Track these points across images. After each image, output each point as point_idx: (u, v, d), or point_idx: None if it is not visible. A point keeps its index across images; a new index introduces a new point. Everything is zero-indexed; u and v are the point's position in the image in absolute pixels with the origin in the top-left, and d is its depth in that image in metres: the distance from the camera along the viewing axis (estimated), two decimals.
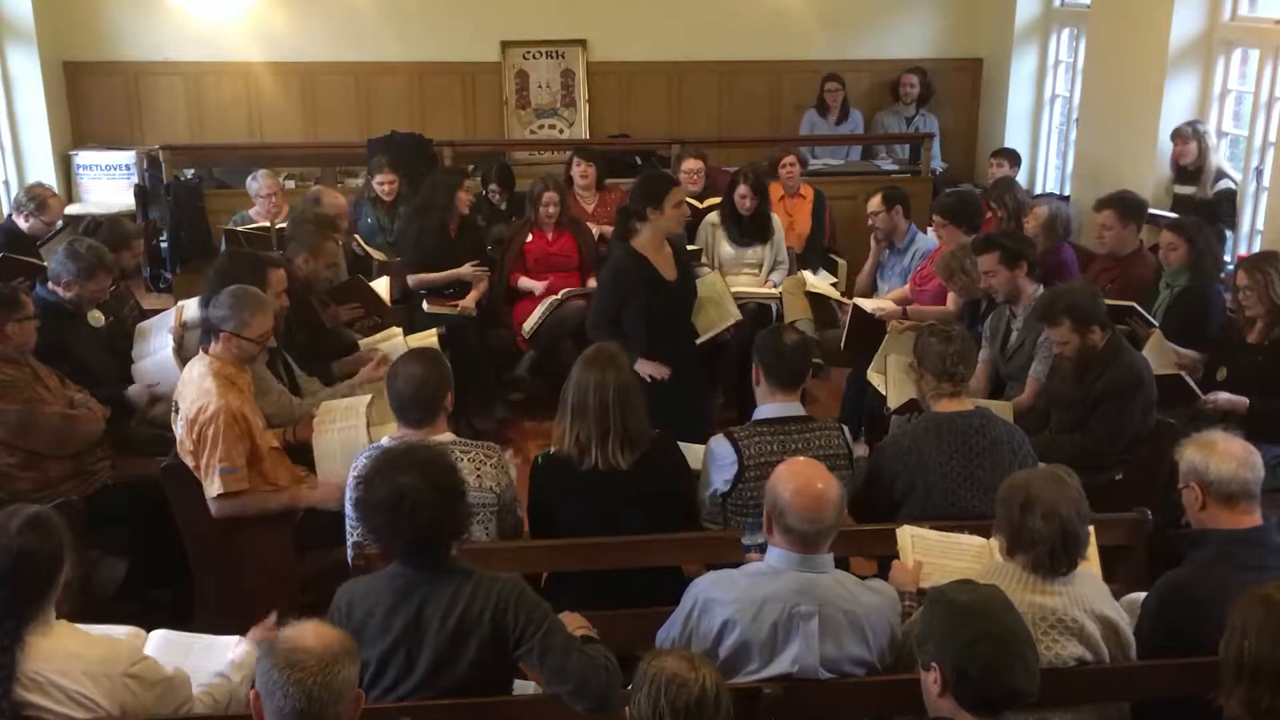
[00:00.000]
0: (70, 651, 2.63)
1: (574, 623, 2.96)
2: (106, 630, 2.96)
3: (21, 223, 6.13)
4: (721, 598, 2.82)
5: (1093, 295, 4.42)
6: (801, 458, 3.03)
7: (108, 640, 2.77)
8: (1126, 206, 5.63)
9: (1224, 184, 6.32)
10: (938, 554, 3.26)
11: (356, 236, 6.58)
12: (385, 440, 3.56)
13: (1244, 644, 2.41)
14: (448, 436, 3.57)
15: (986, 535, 3.23)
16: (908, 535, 3.32)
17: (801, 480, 2.81)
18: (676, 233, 5.02)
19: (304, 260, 5.14)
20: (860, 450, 3.99)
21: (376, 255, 6.50)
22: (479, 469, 3.53)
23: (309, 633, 2.24)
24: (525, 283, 6.47)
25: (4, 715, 2.54)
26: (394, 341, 5.26)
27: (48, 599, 2.65)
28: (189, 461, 3.99)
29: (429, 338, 5.25)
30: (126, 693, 2.65)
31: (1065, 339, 4.34)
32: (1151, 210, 6.03)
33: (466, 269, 6.25)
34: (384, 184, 6.85)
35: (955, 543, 3.31)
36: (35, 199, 6.16)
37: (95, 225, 5.72)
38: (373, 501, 2.71)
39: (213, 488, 3.91)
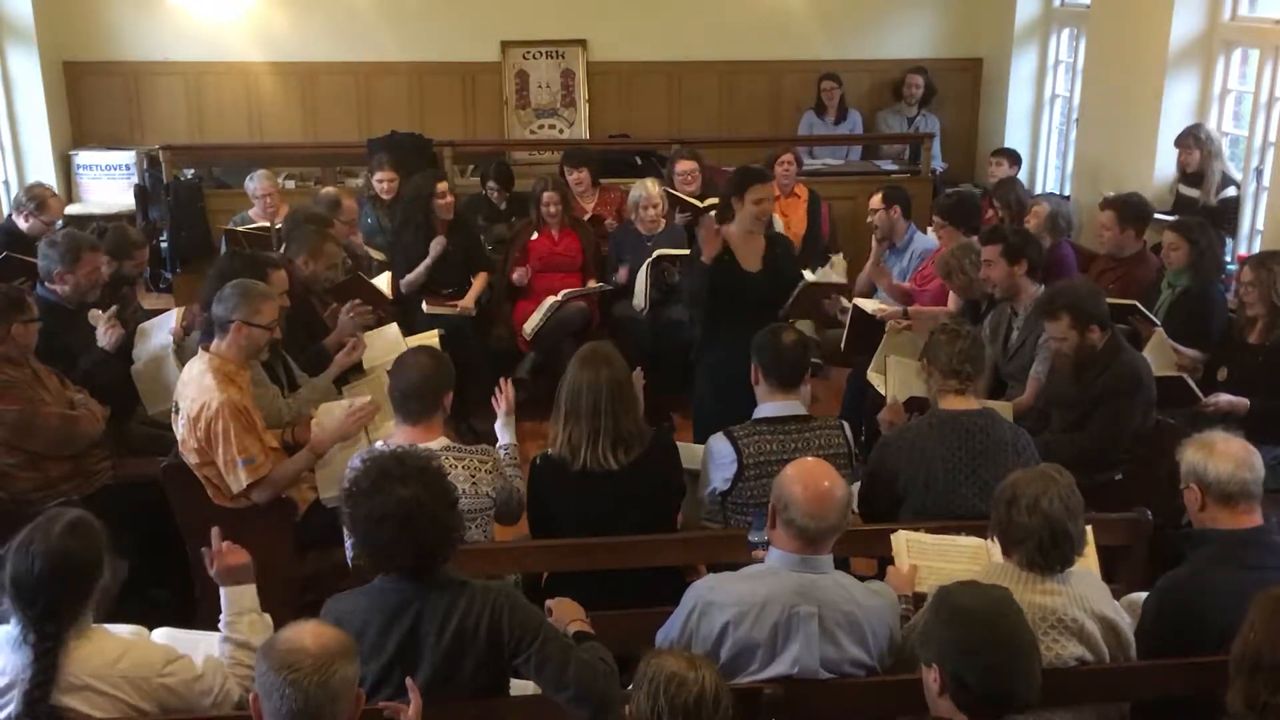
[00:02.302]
0: (107, 656, 2.63)
1: (569, 613, 2.96)
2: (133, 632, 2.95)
3: (21, 223, 6.11)
4: (722, 600, 2.82)
5: (1095, 294, 4.43)
6: (811, 458, 3.02)
7: (142, 644, 2.77)
8: (1128, 210, 5.65)
9: (1229, 191, 6.32)
10: (934, 556, 3.26)
11: (356, 239, 6.56)
12: (381, 443, 3.56)
13: (1249, 637, 2.42)
14: (442, 442, 3.55)
15: (983, 536, 3.23)
16: (902, 539, 3.31)
17: (810, 478, 2.81)
18: (756, 229, 5.00)
19: (304, 262, 5.14)
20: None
21: (376, 255, 6.50)
22: (474, 475, 3.52)
23: (306, 633, 2.23)
24: (517, 276, 6.48)
25: (43, 718, 2.53)
26: (390, 332, 5.27)
27: (87, 603, 2.65)
28: (192, 460, 3.99)
29: (430, 339, 5.25)
30: (165, 693, 2.66)
31: (1063, 335, 4.34)
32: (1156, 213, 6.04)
33: (435, 244, 6.21)
34: (383, 181, 6.84)
35: (951, 544, 3.31)
36: (35, 199, 6.14)
37: (101, 232, 5.71)
38: (375, 516, 2.62)
39: (239, 482, 3.94)
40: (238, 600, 2.91)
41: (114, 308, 4.85)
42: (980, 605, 2.40)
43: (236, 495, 4.00)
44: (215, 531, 2.94)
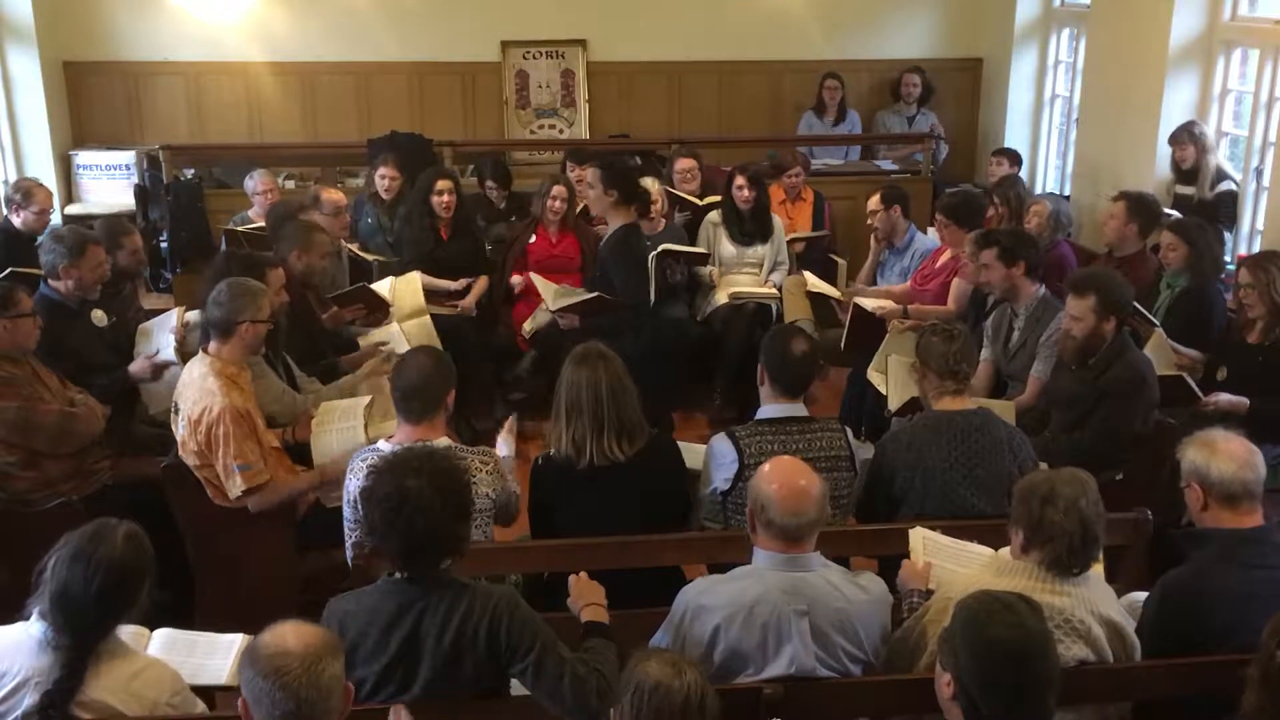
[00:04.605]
0: (125, 670, 2.62)
1: (588, 594, 2.96)
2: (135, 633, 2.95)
3: (15, 219, 6.07)
4: (711, 603, 2.81)
5: (1126, 288, 4.44)
6: (785, 456, 3.03)
7: (159, 665, 2.76)
8: (1138, 205, 5.65)
9: (1225, 185, 6.32)
10: (947, 559, 3.25)
11: (350, 245, 6.46)
12: (383, 442, 3.56)
13: (1269, 644, 2.41)
14: (444, 442, 3.54)
15: (992, 538, 3.22)
16: (919, 537, 3.31)
17: (784, 477, 2.82)
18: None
19: (296, 256, 5.13)
20: (865, 453, 4.00)
21: (372, 258, 6.46)
22: (474, 476, 3.50)
23: (288, 635, 2.19)
24: (514, 280, 6.46)
25: None
26: (390, 329, 5.29)
27: (130, 616, 2.65)
28: (192, 461, 3.99)
29: (424, 324, 5.27)
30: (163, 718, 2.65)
31: (1082, 315, 4.32)
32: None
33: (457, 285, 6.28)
34: (385, 177, 6.77)
35: (964, 550, 3.30)
36: (20, 190, 6.09)
37: (90, 226, 5.72)
38: (375, 496, 2.68)
39: (235, 487, 3.93)
40: None
41: (153, 373, 4.78)
42: (1011, 640, 2.28)
43: (235, 500, 3.99)
44: None
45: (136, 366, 4.67)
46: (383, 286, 5.85)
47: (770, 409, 3.73)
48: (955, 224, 5.74)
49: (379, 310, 5.65)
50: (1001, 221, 6.26)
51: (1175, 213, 6.09)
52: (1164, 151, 6.66)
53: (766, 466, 2.89)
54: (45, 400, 4.21)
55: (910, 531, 3.35)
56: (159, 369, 4.67)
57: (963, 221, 5.72)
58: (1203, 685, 2.84)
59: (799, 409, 3.72)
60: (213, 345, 4.08)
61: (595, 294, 5.32)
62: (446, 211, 6.26)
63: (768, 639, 2.78)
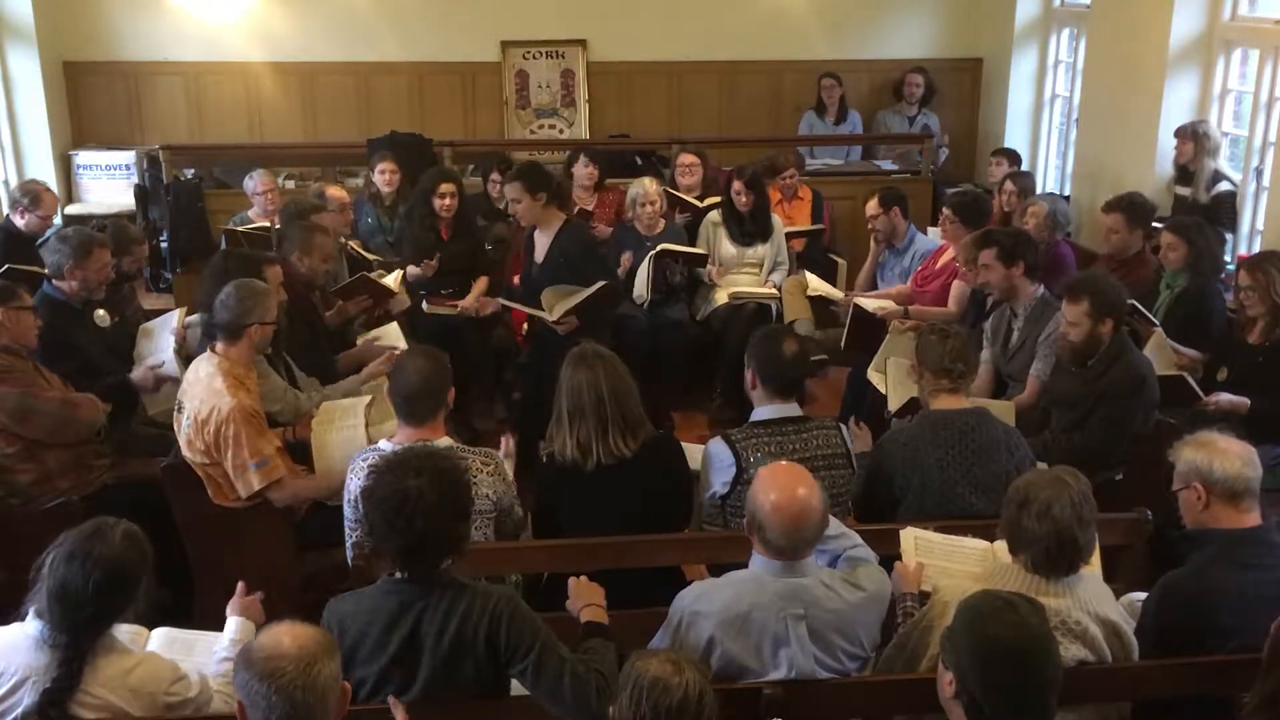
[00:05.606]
0: (121, 667, 2.62)
1: (587, 595, 2.96)
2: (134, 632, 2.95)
3: (18, 220, 6.09)
4: (707, 610, 2.80)
5: (1120, 290, 4.43)
6: (784, 463, 2.99)
7: (154, 658, 2.76)
8: (1135, 210, 5.66)
9: (1222, 187, 6.31)
10: (941, 557, 3.25)
11: (352, 243, 6.48)
12: (384, 442, 3.56)
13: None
14: (445, 441, 3.54)
15: (988, 536, 3.23)
16: (911, 537, 3.31)
17: (782, 492, 2.76)
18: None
19: (298, 258, 5.12)
20: (863, 444, 4.01)
21: (373, 258, 6.46)
22: (475, 477, 3.50)
23: (283, 636, 2.19)
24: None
25: None
26: (391, 332, 5.28)
27: (127, 614, 2.66)
28: (198, 459, 3.98)
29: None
30: (164, 710, 2.65)
31: (1077, 320, 4.32)
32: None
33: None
34: (384, 172, 6.77)
35: (958, 545, 3.30)
36: (29, 194, 6.11)
37: (100, 228, 5.71)
38: (376, 496, 2.68)
39: (249, 485, 3.92)
40: (244, 632, 2.94)
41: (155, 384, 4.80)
42: (1013, 639, 2.28)
43: (248, 498, 3.98)
44: (242, 585, 3.08)
45: (139, 375, 4.68)
46: (391, 279, 5.86)
47: (764, 410, 3.72)
48: (961, 222, 5.74)
49: (384, 300, 5.64)
50: (1009, 209, 6.32)
51: (1168, 216, 6.10)
52: (1164, 152, 6.66)
53: (763, 481, 2.83)
54: (46, 388, 4.21)
55: (901, 533, 3.33)
56: (160, 381, 4.67)
57: (969, 221, 5.71)
58: (1202, 685, 2.85)
59: (793, 409, 3.72)
60: (220, 346, 4.08)
61: (597, 286, 5.32)
62: (448, 213, 6.27)
63: (764, 646, 2.78)
